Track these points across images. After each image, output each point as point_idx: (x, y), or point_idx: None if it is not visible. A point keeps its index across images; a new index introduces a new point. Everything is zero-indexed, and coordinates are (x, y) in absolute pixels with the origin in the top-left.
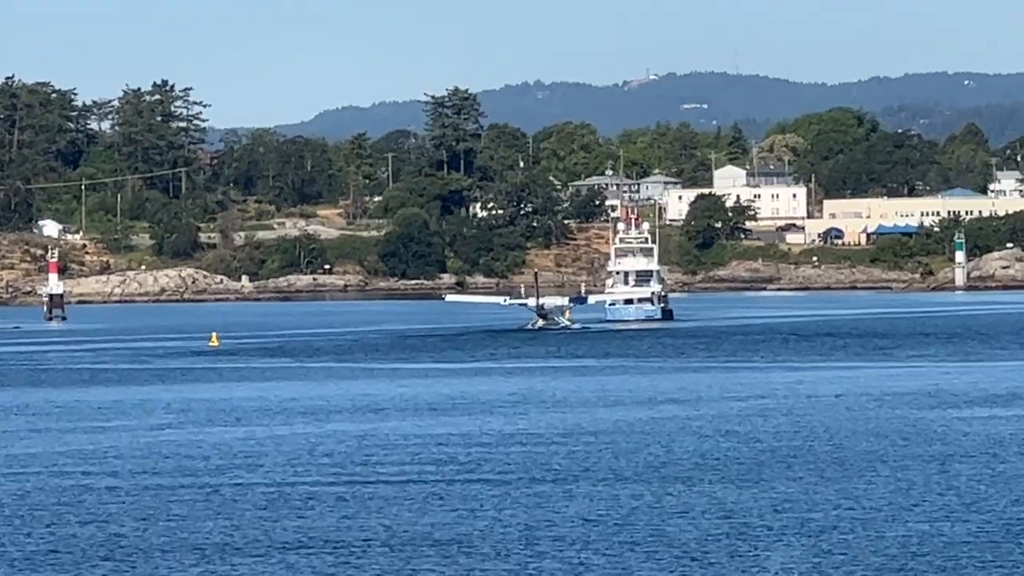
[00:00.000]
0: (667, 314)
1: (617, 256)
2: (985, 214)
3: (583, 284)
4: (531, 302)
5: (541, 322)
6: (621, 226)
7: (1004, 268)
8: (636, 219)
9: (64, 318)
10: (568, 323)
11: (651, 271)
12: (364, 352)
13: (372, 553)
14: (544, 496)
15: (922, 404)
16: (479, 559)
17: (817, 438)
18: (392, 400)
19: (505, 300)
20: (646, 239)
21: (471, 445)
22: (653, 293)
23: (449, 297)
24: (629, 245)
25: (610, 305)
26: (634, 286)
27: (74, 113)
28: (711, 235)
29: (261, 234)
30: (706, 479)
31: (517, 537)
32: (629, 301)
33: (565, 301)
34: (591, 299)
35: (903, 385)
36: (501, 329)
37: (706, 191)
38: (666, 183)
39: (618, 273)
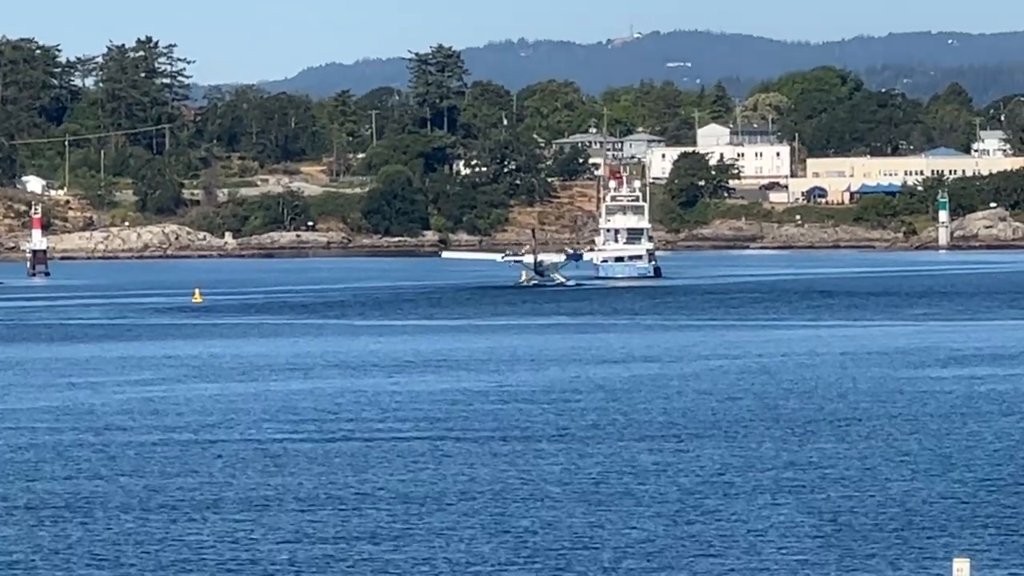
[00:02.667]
0: (656, 272)
1: (607, 214)
2: (968, 173)
3: (568, 242)
4: (528, 259)
5: (529, 278)
6: (612, 184)
7: (987, 228)
8: (626, 177)
9: (47, 274)
10: (563, 280)
11: (642, 228)
12: (350, 309)
13: (343, 509)
14: (521, 454)
15: (917, 362)
16: (453, 515)
17: (808, 396)
18: (372, 357)
19: (502, 257)
20: (637, 197)
21: (456, 402)
22: (647, 251)
23: (445, 254)
24: (620, 203)
25: (602, 262)
26: (625, 244)
27: (58, 69)
28: (694, 193)
29: (244, 191)
30: (704, 436)
31: (489, 493)
32: (620, 259)
33: (562, 258)
34: (587, 256)
35: (894, 344)
36: (491, 287)
37: (689, 150)
38: (649, 141)
39: (608, 231)
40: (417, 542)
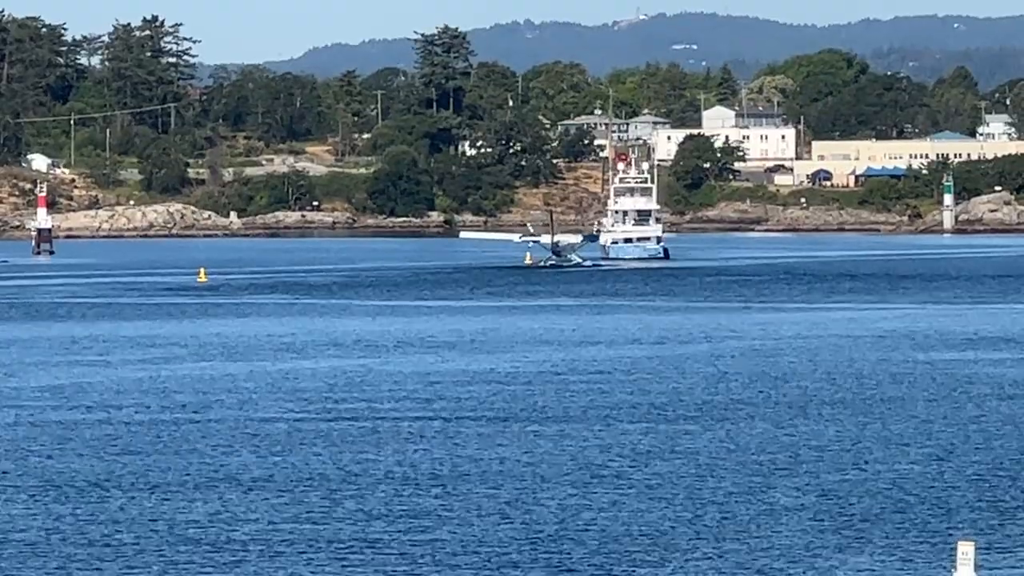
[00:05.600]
0: (664, 253)
1: (616, 195)
2: (974, 157)
3: (578, 224)
4: (545, 239)
5: (538, 260)
6: (620, 165)
7: (992, 211)
8: (636, 159)
9: (52, 252)
10: (580, 261)
11: (650, 210)
12: (361, 290)
13: (343, 489)
14: (524, 435)
15: (921, 345)
16: (454, 496)
17: (813, 378)
18: (376, 337)
19: (519, 237)
20: (645, 179)
21: (459, 383)
22: (658, 234)
23: (464, 234)
24: (628, 184)
25: (611, 244)
26: (633, 225)
27: (64, 48)
28: (699, 176)
29: (249, 170)
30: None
31: (491, 474)
32: (629, 240)
33: (579, 239)
34: (603, 238)
35: (897, 327)
36: (500, 267)
37: (695, 132)
38: (655, 123)
39: (617, 212)
40: (419, 522)
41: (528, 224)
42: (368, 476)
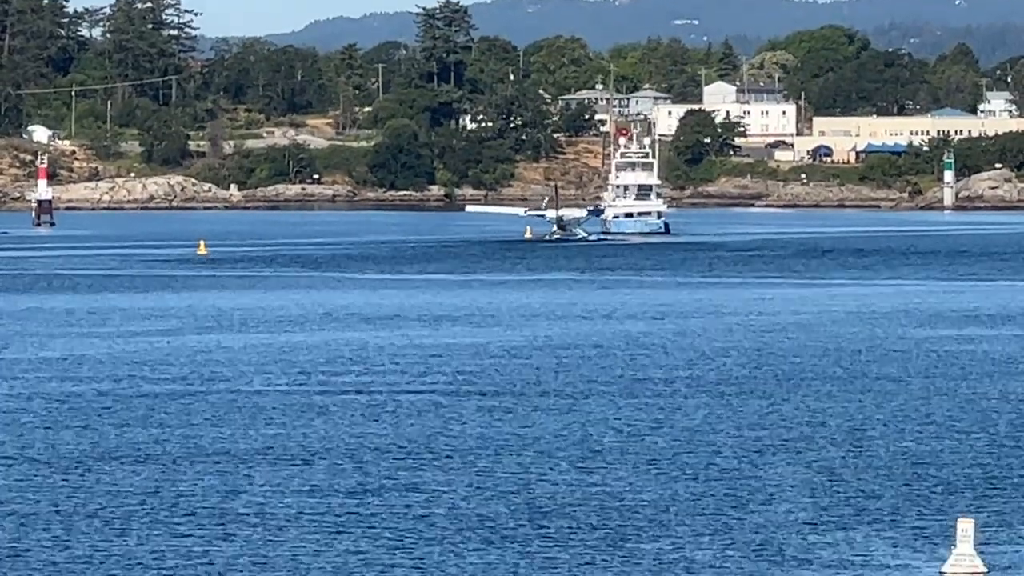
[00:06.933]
0: (665, 228)
1: (617, 170)
2: (974, 134)
3: (578, 198)
4: (550, 213)
5: (543, 234)
6: (621, 140)
7: (992, 188)
8: (637, 133)
9: (52, 224)
10: (585, 235)
11: (651, 185)
12: (363, 263)
13: (339, 462)
14: (525, 409)
15: (921, 322)
16: (448, 470)
17: (814, 354)
18: (376, 310)
19: (524, 211)
20: (647, 153)
21: (457, 357)
22: (659, 209)
23: (469, 207)
24: (629, 159)
25: (613, 218)
26: (634, 200)
27: (65, 20)
28: (700, 151)
29: (250, 143)
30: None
31: (487, 448)
32: (629, 215)
33: (583, 213)
34: (608, 212)
35: (898, 303)
36: (503, 240)
37: (696, 107)
38: (656, 98)
39: (618, 187)
40: (416, 496)
41: (546, 197)
42: (365, 449)
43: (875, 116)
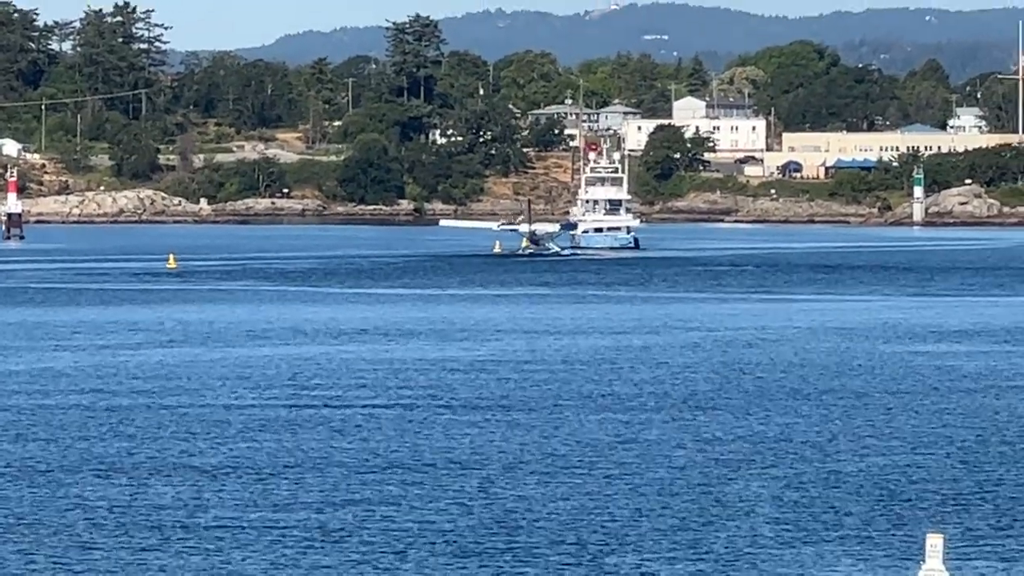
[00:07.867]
0: (634, 243)
1: (587, 185)
2: (944, 150)
3: (551, 214)
4: (523, 228)
5: (514, 248)
6: (591, 155)
7: (962, 204)
8: (606, 148)
9: (22, 237)
10: (558, 249)
11: (620, 200)
12: (329, 277)
13: (310, 476)
14: (492, 423)
15: (890, 337)
16: (422, 484)
17: (785, 369)
18: (344, 325)
19: (497, 226)
20: (616, 168)
21: (429, 371)
22: (630, 225)
23: (443, 222)
24: (599, 174)
25: (582, 233)
26: (604, 215)
27: (35, 33)
28: (669, 166)
29: (220, 157)
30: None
31: (460, 463)
32: (599, 229)
33: (556, 228)
34: (580, 228)
35: (867, 318)
36: (471, 256)
37: (665, 122)
38: (625, 113)
39: (587, 202)
40: (382, 510)
41: (521, 210)
42: (332, 464)
43: (845, 132)
